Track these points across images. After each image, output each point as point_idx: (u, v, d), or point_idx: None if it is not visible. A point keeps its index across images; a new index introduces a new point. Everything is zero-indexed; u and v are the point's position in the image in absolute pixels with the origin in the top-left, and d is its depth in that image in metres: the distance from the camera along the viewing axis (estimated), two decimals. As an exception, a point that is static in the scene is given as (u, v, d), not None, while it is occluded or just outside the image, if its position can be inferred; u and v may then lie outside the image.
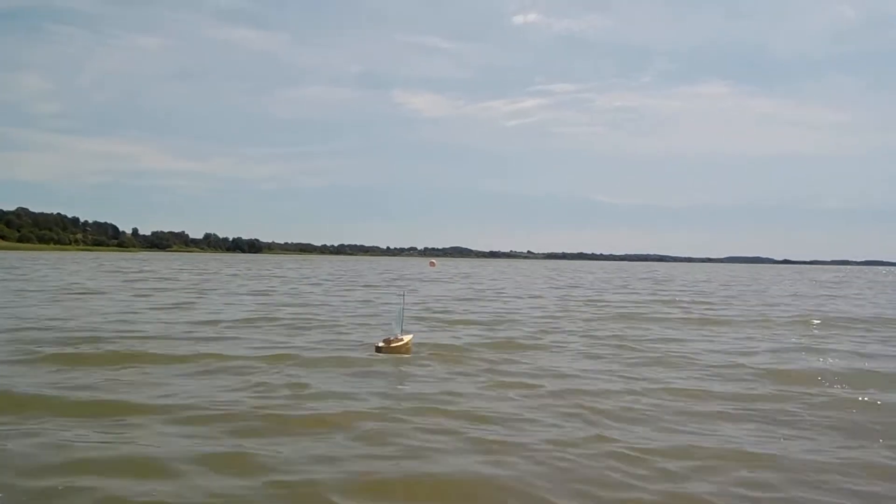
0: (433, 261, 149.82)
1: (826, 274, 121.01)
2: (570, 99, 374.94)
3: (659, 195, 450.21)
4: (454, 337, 18.60)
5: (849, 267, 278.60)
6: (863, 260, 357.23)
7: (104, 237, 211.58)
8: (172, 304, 26.91)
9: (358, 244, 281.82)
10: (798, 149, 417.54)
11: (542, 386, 11.88)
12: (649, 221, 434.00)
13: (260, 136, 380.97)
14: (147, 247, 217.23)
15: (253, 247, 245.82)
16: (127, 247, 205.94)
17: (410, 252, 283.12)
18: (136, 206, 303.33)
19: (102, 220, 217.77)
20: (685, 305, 31.81)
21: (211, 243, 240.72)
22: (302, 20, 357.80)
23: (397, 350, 16.22)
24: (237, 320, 21.48)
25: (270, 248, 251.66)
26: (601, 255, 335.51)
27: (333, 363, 14.19)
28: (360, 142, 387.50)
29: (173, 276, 54.90)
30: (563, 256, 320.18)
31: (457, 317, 24.18)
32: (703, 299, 36.66)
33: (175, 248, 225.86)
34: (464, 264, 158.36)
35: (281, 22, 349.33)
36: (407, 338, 17.06)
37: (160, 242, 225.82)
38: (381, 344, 16.42)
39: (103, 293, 31.97)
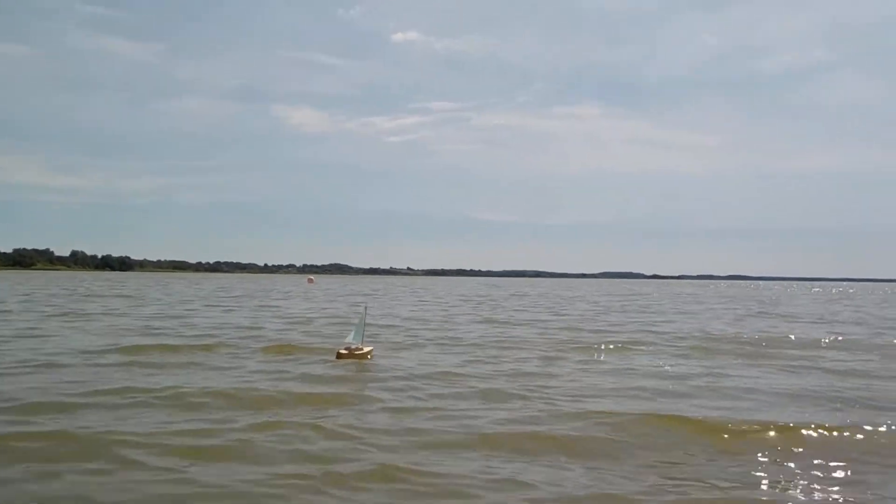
0: (311, 277, 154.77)
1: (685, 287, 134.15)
2: (450, 117, 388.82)
3: (536, 212, 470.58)
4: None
5: (712, 281, 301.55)
6: (726, 275, 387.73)
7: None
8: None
9: (235, 261, 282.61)
10: (668, 169, 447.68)
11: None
12: (527, 238, 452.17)
13: (134, 150, 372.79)
14: (9, 265, 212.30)
15: (124, 264, 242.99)
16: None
17: (289, 269, 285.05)
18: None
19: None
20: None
21: (78, 261, 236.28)
22: (179, 32, 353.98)
23: (358, 357, 18.33)
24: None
25: (142, 265, 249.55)
26: (480, 271, 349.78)
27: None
28: (238, 157, 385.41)
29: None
30: (443, 273, 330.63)
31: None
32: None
33: (39, 265, 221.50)
34: (340, 281, 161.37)
35: (156, 33, 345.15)
36: (367, 348, 19.05)
37: (23, 260, 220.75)
38: (343, 351, 18.49)
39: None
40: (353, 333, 18.88)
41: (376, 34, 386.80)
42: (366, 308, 21.39)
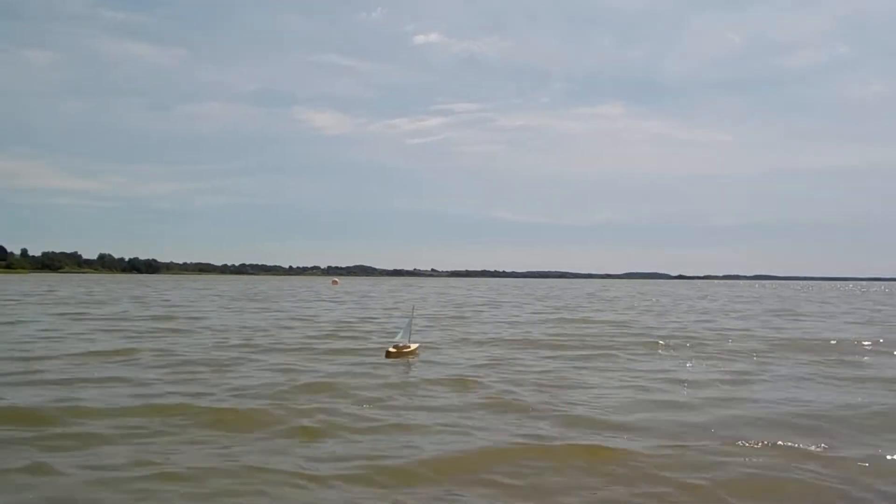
0: (335, 279, 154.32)
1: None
2: (472, 118, 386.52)
3: (560, 213, 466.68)
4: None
5: (741, 282, 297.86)
6: (752, 274, 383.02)
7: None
8: None
9: (259, 263, 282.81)
10: (690, 168, 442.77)
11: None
12: (551, 239, 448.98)
13: (156, 154, 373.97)
14: (38, 268, 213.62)
15: (150, 267, 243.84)
16: (15, 268, 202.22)
17: (314, 271, 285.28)
18: (25, 226, 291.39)
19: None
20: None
21: (105, 264, 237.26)
22: (199, 36, 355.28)
23: (406, 355, 18.72)
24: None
25: (169, 268, 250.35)
26: (504, 272, 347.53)
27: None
28: (260, 160, 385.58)
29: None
30: (467, 274, 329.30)
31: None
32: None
33: (67, 268, 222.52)
34: (366, 283, 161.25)
35: (177, 38, 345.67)
36: (414, 345, 19.53)
37: (52, 263, 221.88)
38: (391, 350, 18.81)
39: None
40: (401, 332, 19.48)
41: (397, 36, 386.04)
42: (413, 308, 22.65)
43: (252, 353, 19.97)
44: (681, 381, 15.33)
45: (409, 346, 19.13)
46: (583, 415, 11.73)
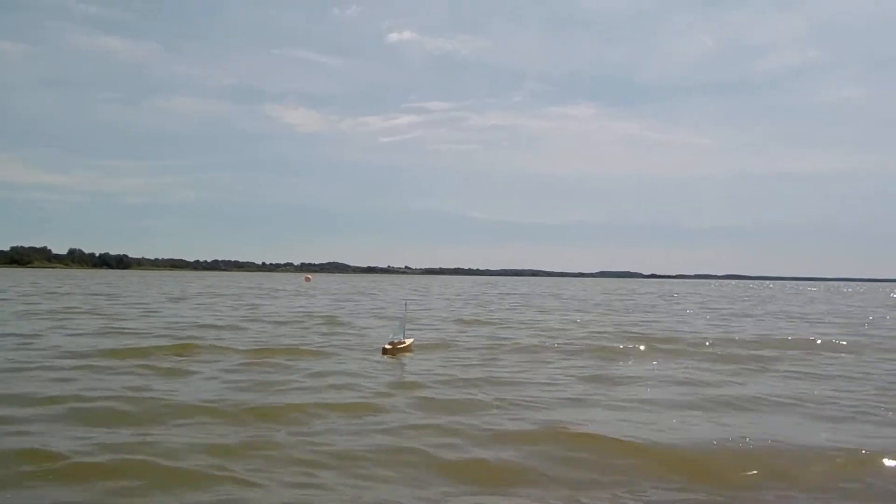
0: (308, 276, 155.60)
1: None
2: (445, 117, 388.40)
3: (533, 212, 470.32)
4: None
5: (710, 281, 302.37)
6: (723, 274, 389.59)
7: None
8: None
9: (232, 260, 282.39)
10: (663, 169, 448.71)
11: None
12: (524, 237, 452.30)
13: (128, 149, 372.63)
14: (6, 262, 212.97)
15: (121, 263, 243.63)
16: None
17: (287, 268, 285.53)
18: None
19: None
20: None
21: (76, 259, 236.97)
22: (172, 30, 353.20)
23: (401, 351, 18.85)
24: None
25: (140, 264, 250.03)
26: (477, 270, 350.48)
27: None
28: (233, 156, 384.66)
29: None
30: (441, 272, 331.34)
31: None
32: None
33: (37, 263, 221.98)
34: (338, 279, 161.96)
35: (150, 32, 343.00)
36: (409, 341, 19.76)
37: (20, 258, 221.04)
38: (387, 346, 18.85)
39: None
40: (395, 329, 19.79)
41: (371, 34, 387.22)
42: (406, 304, 23.41)
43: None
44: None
45: (404, 342, 19.43)
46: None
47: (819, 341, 24.93)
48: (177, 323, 29.04)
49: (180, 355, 18.48)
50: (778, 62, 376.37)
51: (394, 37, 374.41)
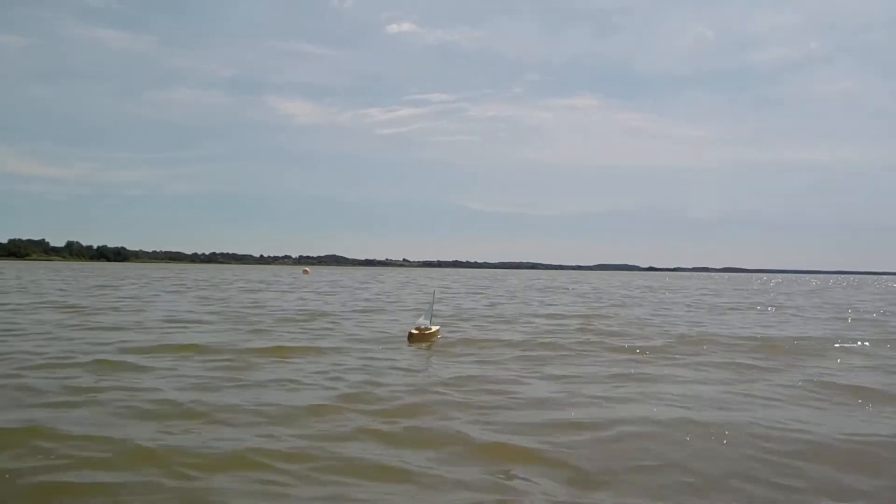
0: (306, 269, 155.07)
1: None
2: (444, 108, 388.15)
3: (532, 204, 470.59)
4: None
5: (710, 274, 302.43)
6: (721, 267, 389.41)
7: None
8: None
9: (230, 252, 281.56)
10: (662, 161, 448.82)
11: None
12: (523, 230, 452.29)
13: (125, 140, 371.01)
14: (3, 255, 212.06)
15: (119, 255, 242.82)
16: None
17: (285, 260, 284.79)
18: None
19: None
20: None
21: (74, 251, 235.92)
22: (170, 22, 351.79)
23: (428, 337, 19.07)
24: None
25: (138, 256, 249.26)
26: (476, 262, 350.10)
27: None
28: (230, 147, 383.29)
29: None
30: (439, 264, 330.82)
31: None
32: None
33: (35, 256, 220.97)
34: (337, 272, 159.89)
35: (148, 23, 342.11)
36: (435, 328, 19.94)
37: (18, 250, 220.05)
38: (414, 331, 18.97)
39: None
40: (423, 315, 20.00)
41: (370, 25, 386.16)
42: (434, 292, 23.45)
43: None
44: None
45: (431, 329, 19.60)
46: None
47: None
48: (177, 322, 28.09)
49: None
50: (775, 54, 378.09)
51: (393, 28, 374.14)
